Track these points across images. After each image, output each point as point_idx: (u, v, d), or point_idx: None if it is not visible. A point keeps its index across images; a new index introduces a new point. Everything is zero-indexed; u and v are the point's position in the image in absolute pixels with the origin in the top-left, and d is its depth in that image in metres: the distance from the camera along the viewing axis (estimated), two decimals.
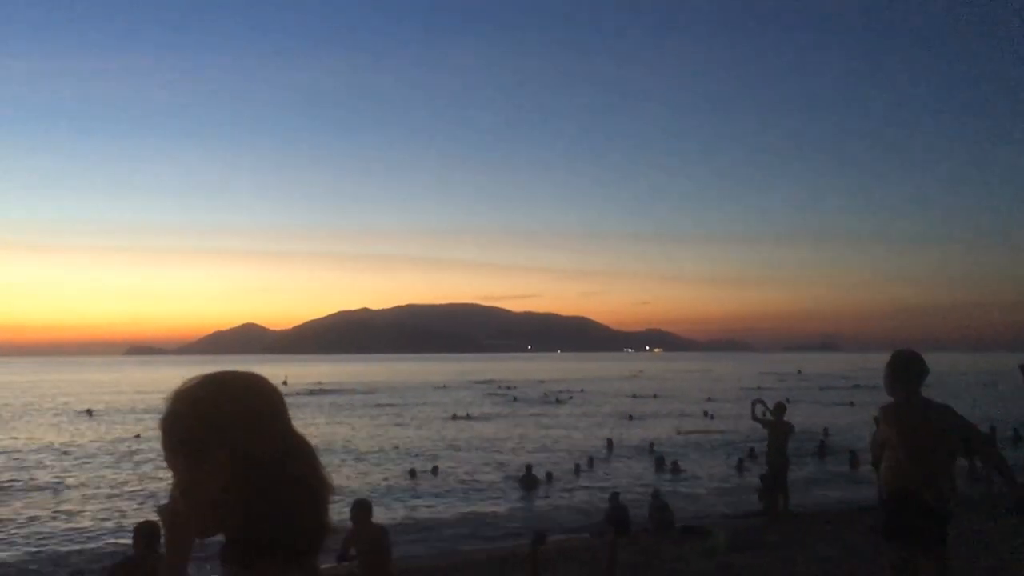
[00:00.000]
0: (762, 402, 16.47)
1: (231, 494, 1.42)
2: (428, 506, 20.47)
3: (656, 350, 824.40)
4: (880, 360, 6.23)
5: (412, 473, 24.41)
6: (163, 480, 24.72)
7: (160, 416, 1.49)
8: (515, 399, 63.02)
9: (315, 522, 1.46)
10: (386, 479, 24.23)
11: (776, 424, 15.97)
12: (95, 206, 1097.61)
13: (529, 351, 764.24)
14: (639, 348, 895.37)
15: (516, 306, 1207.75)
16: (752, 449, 26.19)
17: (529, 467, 23.75)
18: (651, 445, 30.07)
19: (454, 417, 46.97)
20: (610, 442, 31.10)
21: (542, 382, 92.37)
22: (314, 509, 1.46)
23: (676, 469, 24.94)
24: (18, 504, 21.31)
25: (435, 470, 25.08)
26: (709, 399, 59.17)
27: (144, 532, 6.82)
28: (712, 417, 44.28)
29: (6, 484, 24.34)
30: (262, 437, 1.45)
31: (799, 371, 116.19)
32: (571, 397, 63.93)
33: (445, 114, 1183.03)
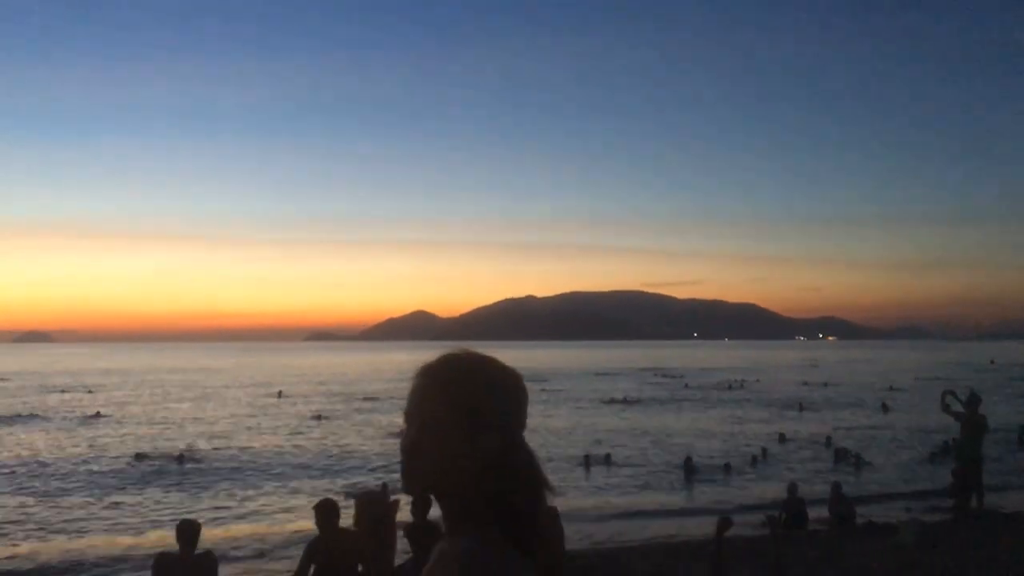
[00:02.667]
0: (953, 393, 15.61)
1: (460, 465, 1.48)
2: (600, 493, 20.71)
3: (830, 338, 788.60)
4: None
5: (586, 460, 24.69)
6: (341, 458, 26.23)
7: (436, 379, 1.54)
8: (686, 386, 62.06)
9: (533, 507, 1.52)
10: (557, 465, 24.62)
11: (969, 417, 15.10)
12: (282, 202, 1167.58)
13: (695, 338, 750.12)
14: (812, 336, 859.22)
15: (681, 292, 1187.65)
16: (946, 443, 24.73)
17: (689, 458, 23.67)
18: (828, 437, 29.01)
19: (612, 401, 47.53)
20: (782, 435, 30.18)
21: (709, 370, 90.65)
22: (533, 494, 1.52)
23: (858, 462, 24.01)
24: (215, 481, 23.15)
25: (608, 457, 25.29)
26: (891, 388, 56.22)
27: (324, 510, 7.01)
28: (888, 409, 42.20)
29: (207, 457, 26.69)
30: (521, 420, 1.54)
31: (992, 361, 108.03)
32: (742, 385, 62.44)
33: (608, 102, 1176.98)
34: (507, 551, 1.46)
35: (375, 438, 31.83)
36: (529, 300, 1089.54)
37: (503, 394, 1.53)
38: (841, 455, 24.90)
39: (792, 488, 16.35)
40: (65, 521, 17.83)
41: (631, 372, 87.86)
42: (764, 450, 26.11)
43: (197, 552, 6.98)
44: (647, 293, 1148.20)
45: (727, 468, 23.16)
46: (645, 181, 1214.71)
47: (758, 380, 70.47)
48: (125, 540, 16.21)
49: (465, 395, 1.50)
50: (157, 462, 25.34)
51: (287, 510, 18.95)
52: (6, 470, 24.34)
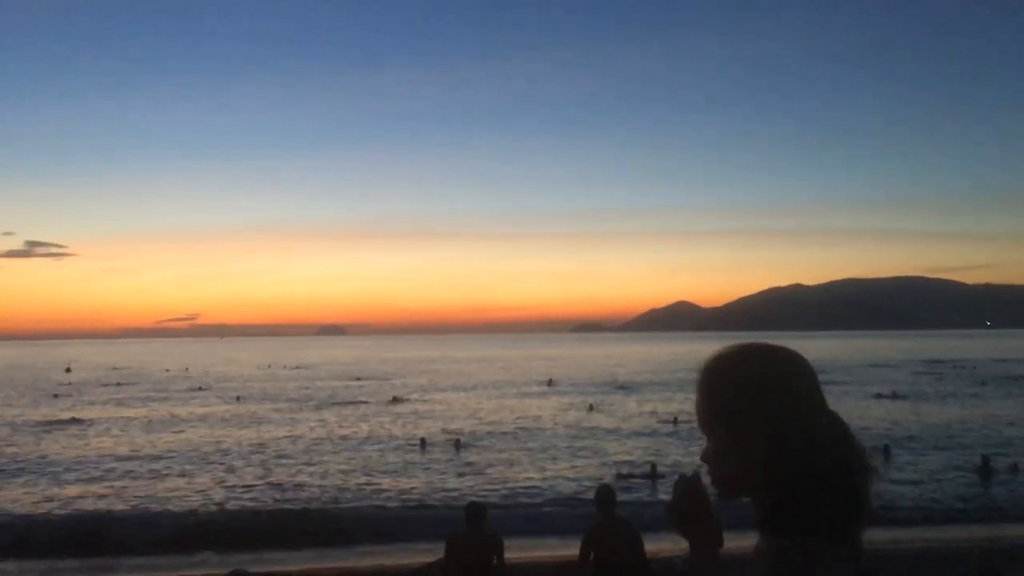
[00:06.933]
0: None
1: (766, 465, 1.43)
2: (882, 490, 19.44)
3: None
4: None
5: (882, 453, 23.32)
6: (604, 447, 26.59)
7: (697, 382, 1.52)
8: (983, 383, 55.23)
9: (848, 502, 1.41)
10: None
11: None
12: (546, 198, 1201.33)
13: (988, 327, 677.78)
14: None
15: (970, 278, 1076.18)
16: None
17: (986, 458, 21.83)
18: None
19: (884, 396, 44.53)
20: None
21: (1007, 361, 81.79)
22: (848, 489, 1.42)
23: None
24: (485, 455, 25.19)
25: (886, 449, 23.64)
26: None
27: (603, 496, 7.06)
28: None
29: (483, 443, 28.23)
30: (797, 411, 1.45)
31: None
32: None
33: (875, 76, 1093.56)
34: (823, 553, 1.38)
35: (641, 426, 32.13)
36: (796, 288, 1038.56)
37: (765, 389, 1.46)
38: None
39: None
40: None
41: (914, 363, 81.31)
42: None
43: (484, 534, 7.39)
44: (930, 279, 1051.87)
45: (1015, 468, 21.41)
46: (923, 157, 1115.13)
47: None
48: None
49: (721, 396, 1.49)
50: (438, 447, 27.17)
51: (546, 488, 19.69)
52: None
